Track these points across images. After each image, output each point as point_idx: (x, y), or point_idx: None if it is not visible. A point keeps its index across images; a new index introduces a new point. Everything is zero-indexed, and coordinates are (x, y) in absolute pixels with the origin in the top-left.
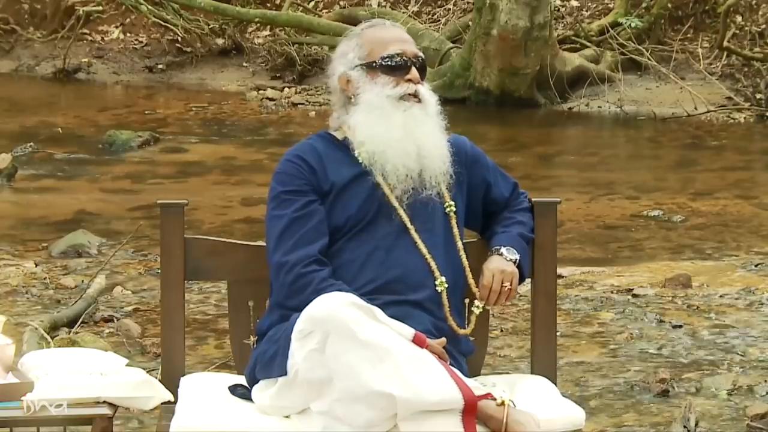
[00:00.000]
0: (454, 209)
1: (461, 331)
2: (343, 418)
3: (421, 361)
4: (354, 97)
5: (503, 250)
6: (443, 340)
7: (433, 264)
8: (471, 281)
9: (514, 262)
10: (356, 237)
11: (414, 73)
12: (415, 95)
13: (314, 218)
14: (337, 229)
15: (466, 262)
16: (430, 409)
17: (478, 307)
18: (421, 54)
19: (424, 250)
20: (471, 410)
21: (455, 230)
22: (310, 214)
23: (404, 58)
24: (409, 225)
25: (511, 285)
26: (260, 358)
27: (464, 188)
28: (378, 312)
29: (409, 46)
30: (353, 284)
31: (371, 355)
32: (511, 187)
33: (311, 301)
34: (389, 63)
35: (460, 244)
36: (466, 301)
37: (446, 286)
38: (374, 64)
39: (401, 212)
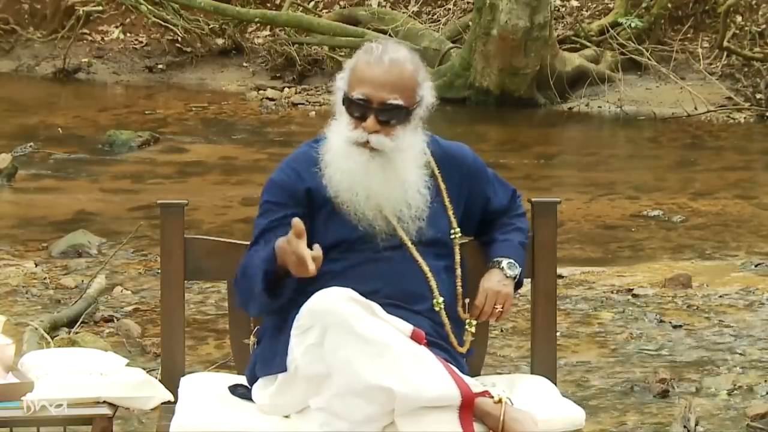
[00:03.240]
0: (459, 234)
1: (459, 349)
2: (341, 413)
3: (420, 357)
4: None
5: (505, 264)
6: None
7: (433, 282)
8: (459, 310)
9: (514, 278)
10: (356, 248)
11: (369, 122)
12: (368, 144)
13: (284, 229)
14: (335, 244)
15: (460, 290)
16: (427, 405)
17: (470, 324)
18: (395, 101)
19: (425, 268)
20: (468, 407)
21: (457, 257)
22: (281, 226)
23: (366, 104)
24: (408, 243)
25: (503, 307)
26: (260, 356)
27: (463, 199)
28: (377, 308)
29: (378, 92)
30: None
31: (370, 350)
32: (510, 194)
33: (240, 284)
34: (351, 104)
35: (459, 271)
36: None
37: (442, 306)
38: (344, 99)
39: (401, 232)
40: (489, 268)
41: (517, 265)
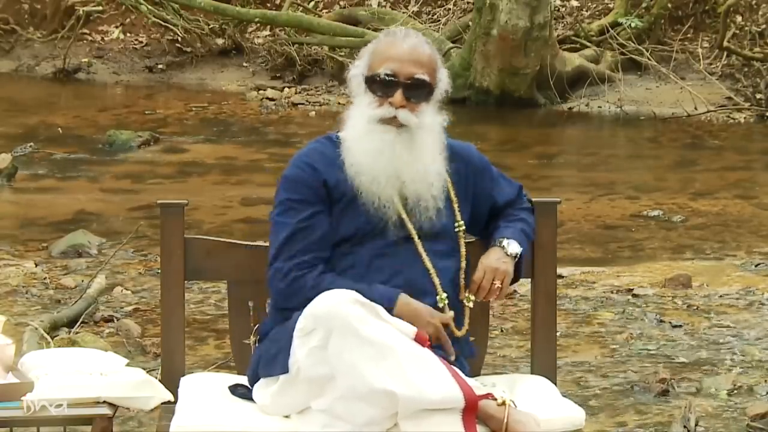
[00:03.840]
0: (464, 228)
1: (458, 333)
2: (343, 416)
3: (423, 359)
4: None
5: (505, 242)
6: (451, 314)
7: (436, 279)
8: (461, 294)
9: (514, 257)
10: (364, 243)
11: (397, 96)
12: (395, 120)
13: (318, 231)
14: (345, 238)
15: (463, 283)
16: (430, 408)
17: (468, 299)
18: (422, 76)
19: (428, 263)
20: (471, 410)
21: (463, 249)
22: (314, 226)
23: (393, 78)
24: (415, 237)
25: (501, 284)
26: (263, 356)
27: (469, 198)
28: (380, 310)
29: (406, 67)
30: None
31: (373, 353)
32: (516, 190)
33: (310, 296)
34: (376, 81)
35: (463, 264)
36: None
37: (447, 302)
38: (367, 79)
39: (409, 225)
40: (489, 246)
41: (517, 244)
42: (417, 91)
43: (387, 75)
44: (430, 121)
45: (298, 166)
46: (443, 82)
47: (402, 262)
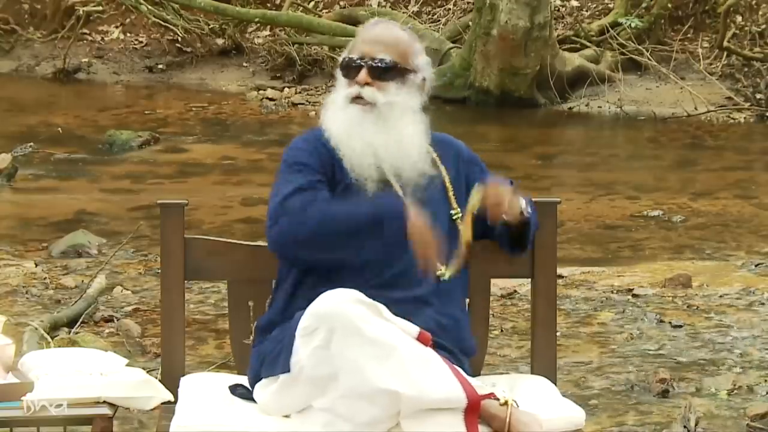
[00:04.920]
0: (460, 215)
1: (438, 273)
2: (345, 415)
3: (426, 359)
4: None
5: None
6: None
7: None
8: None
9: (527, 213)
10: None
11: (360, 75)
12: (360, 98)
13: (320, 195)
14: None
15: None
16: (433, 407)
17: (442, 272)
18: (385, 57)
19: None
20: (474, 409)
21: (462, 237)
22: (321, 190)
23: (358, 60)
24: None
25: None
26: (266, 357)
27: (462, 188)
28: (383, 309)
29: (372, 47)
30: (357, 279)
31: (376, 352)
32: (508, 184)
33: (316, 210)
34: (344, 63)
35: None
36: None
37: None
38: (341, 64)
39: (397, 187)
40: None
41: (523, 200)
42: (382, 71)
43: (355, 57)
44: (401, 101)
45: (307, 139)
46: (422, 69)
47: (398, 249)
